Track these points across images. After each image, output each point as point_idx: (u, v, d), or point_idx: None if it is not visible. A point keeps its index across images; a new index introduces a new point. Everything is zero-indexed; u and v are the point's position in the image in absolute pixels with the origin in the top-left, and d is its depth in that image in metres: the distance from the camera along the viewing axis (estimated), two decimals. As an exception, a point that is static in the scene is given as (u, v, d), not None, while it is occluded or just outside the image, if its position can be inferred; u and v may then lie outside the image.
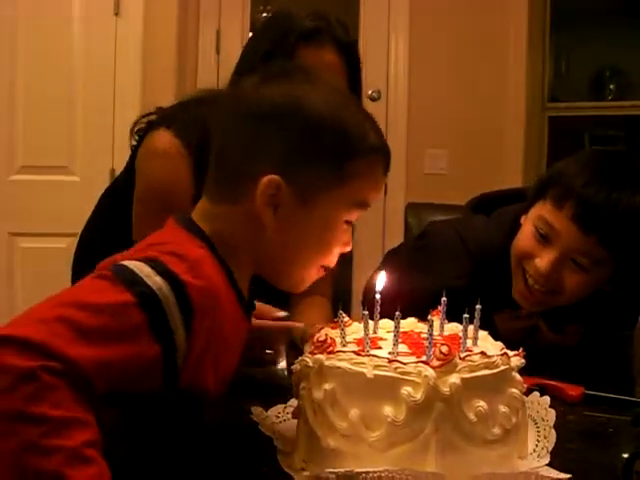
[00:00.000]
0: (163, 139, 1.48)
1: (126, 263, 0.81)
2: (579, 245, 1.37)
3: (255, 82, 0.93)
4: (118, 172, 1.76)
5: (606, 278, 1.42)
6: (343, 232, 0.94)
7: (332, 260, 0.96)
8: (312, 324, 1.44)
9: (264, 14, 3.76)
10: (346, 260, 1.63)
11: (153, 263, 0.81)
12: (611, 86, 4.25)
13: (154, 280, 0.79)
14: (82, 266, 1.64)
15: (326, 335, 0.90)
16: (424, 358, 0.84)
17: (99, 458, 0.71)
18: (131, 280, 0.79)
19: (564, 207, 1.37)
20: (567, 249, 1.38)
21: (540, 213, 1.41)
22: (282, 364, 1.24)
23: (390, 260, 1.82)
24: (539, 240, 1.40)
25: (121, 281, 0.79)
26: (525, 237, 1.44)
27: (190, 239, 0.88)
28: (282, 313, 1.25)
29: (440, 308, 0.97)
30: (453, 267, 1.50)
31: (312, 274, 0.96)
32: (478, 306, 0.93)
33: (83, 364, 0.72)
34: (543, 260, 1.39)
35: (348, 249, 0.97)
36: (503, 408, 0.86)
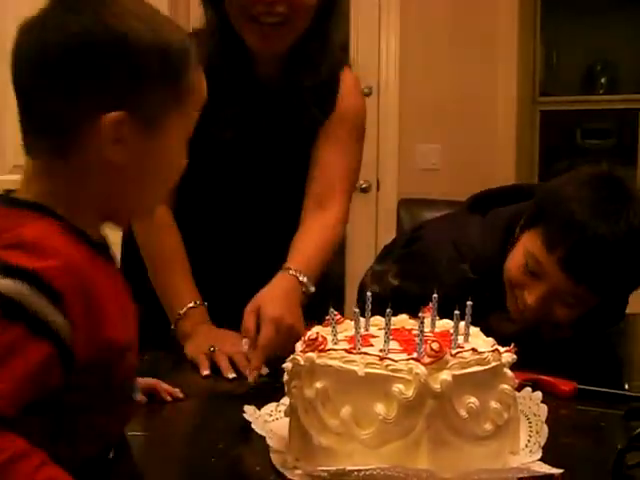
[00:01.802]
0: None
1: None
2: (567, 289, 1.39)
3: (57, 11, 0.83)
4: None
5: (595, 303, 1.44)
6: (185, 149, 0.92)
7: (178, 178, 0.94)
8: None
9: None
10: (339, 256, 1.64)
11: None
12: (602, 80, 4.25)
13: (2, 284, 0.74)
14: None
15: (317, 333, 0.90)
16: (415, 355, 0.84)
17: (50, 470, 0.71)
18: None
19: (554, 251, 1.37)
20: (555, 290, 1.40)
21: (531, 249, 1.41)
22: (265, 370, 1.23)
23: (383, 259, 1.81)
24: (527, 274, 1.42)
25: None
26: (515, 267, 1.44)
27: (20, 217, 0.82)
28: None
29: (431, 305, 0.97)
30: (449, 276, 1.50)
31: (161, 199, 0.94)
32: (469, 302, 0.93)
33: None
34: (531, 295, 1.41)
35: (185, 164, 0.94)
36: (495, 404, 0.86)
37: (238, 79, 1.48)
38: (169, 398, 1.12)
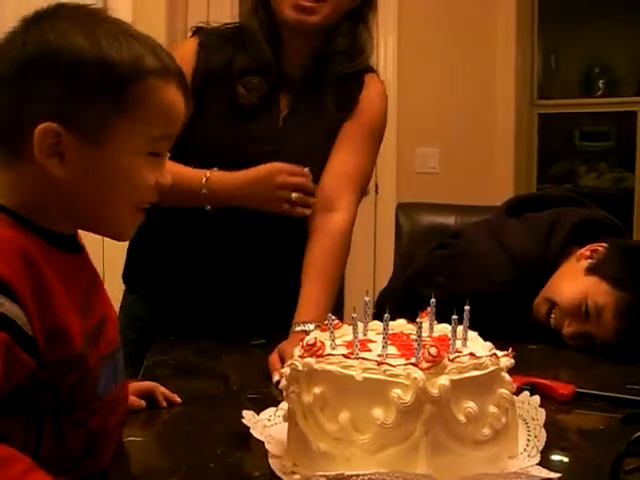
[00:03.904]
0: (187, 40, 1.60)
1: None
2: (610, 340, 1.47)
3: (17, 29, 0.88)
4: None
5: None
6: (148, 165, 0.91)
7: (147, 196, 0.93)
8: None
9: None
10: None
11: None
12: (600, 83, 4.26)
13: None
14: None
15: (315, 338, 0.90)
16: (413, 360, 0.84)
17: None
18: None
19: (619, 321, 1.46)
20: (593, 335, 1.49)
21: (600, 302, 1.47)
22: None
23: (407, 268, 1.82)
24: (581, 311, 1.49)
25: None
26: (572, 298, 1.51)
27: None
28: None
29: (429, 309, 0.97)
30: (497, 274, 1.57)
31: (128, 215, 0.93)
32: (467, 307, 0.93)
33: None
34: (570, 328, 1.51)
35: (164, 181, 0.93)
36: (493, 408, 0.86)
37: (266, 64, 1.54)
38: (164, 404, 1.12)
